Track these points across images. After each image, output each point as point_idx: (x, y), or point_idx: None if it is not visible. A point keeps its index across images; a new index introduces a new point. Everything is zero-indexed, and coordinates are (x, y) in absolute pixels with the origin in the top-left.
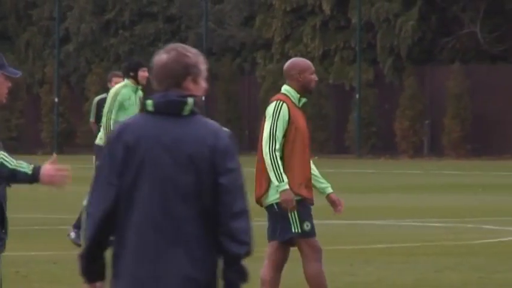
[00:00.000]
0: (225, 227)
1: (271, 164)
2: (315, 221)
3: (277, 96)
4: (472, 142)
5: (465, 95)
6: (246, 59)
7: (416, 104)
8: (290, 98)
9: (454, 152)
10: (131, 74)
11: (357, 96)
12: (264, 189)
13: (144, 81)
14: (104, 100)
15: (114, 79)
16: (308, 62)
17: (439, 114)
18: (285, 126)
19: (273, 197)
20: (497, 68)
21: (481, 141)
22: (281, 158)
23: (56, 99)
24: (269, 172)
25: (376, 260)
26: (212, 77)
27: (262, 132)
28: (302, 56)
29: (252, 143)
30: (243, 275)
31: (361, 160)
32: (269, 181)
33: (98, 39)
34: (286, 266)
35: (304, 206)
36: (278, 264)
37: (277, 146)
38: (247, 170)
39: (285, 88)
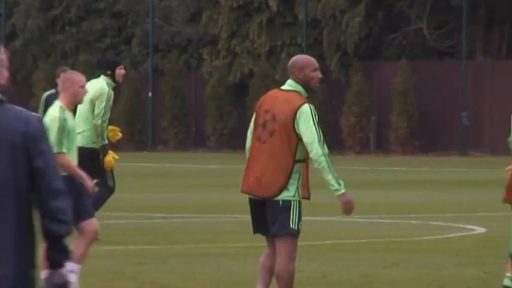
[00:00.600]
0: (44, 208)
1: (329, 167)
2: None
3: (300, 97)
4: (419, 138)
5: (412, 91)
6: (192, 55)
7: (363, 100)
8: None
9: (400, 148)
10: (108, 72)
11: None
12: (281, 185)
13: (120, 80)
14: (52, 96)
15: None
16: (310, 59)
17: (386, 111)
18: None
19: (286, 193)
20: (444, 64)
21: (427, 138)
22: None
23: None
24: (326, 175)
25: (322, 256)
26: (159, 73)
27: (276, 129)
28: (248, 52)
29: (198, 139)
30: (66, 254)
31: None
32: (288, 178)
33: (45, 35)
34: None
35: (302, 206)
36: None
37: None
38: (196, 167)
39: (293, 85)
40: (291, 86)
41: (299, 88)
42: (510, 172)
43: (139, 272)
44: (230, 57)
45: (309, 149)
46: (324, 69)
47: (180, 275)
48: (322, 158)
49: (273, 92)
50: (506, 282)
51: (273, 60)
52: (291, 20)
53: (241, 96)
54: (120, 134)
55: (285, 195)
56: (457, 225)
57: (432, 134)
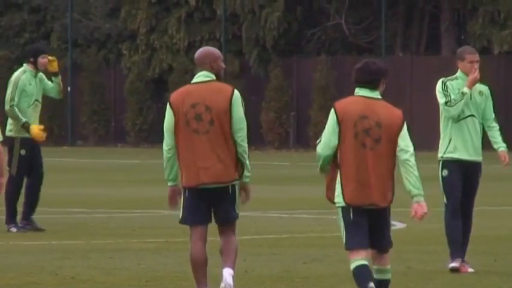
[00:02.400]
0: None
1: (248, 154)
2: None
3: (226, 85)
4: None
5: (331, 86)
6: (111, 50)
7: (282, 96)
8: None
9: None
10: (31, 59)
11: None
12: (233, 170)
13: (42, 68)
14: None
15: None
16: (218, 51)
17: (305, 106)
18: None
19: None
20: (364, 59)
21: None
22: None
23: None
24: (245, 160)
25: (243, 251)
26: (78, 68)
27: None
28: (167, 47)
29: (118, 134)
30: None
31: None
32: (236, 162)
33: None
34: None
35: None
36: None
37: None
38: (115, 162)
39: (210, 75)
40: (208, 76)
41: (214, 78)
42: (330, 172)
43: (61, 267)
44: (149, 52)
45: (238, 134)
46: (242, 64)
47: (101, 269)
48: (246, 143)
49: (193, 87)
50: None
51: (192, 55)
52: (210, 15)
53: (161, 91)
54: (43, 136)
55: (234, 180)
56: None
57: None
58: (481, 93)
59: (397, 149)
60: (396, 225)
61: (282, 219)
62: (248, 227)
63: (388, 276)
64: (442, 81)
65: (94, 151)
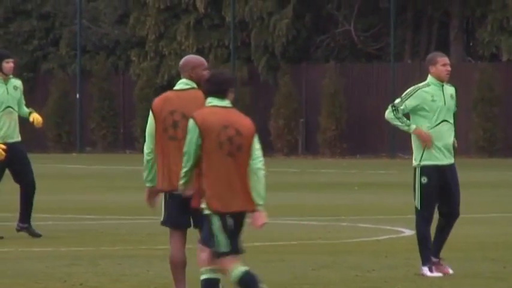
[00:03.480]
0: None
1: None
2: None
3: (201, 92)
4: (348, 141)
5: (340, 93)
6: (120, 56)
7: (291, 103)
8: None
9: (329, 150)
10: None
11: None
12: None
13: (9, 72)
14: None
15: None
16: (201, 59)
17: (314, 113)
18: None
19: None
20: (372, 66)
21: (356, 140)
22: None
23: None
24: None
25: (252, 258)
26: (87, 75)
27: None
28: (176, 54)
29: (126, 141)
30: None
31: None
32: None
33: None
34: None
35: None
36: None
37: None
38: (124, 168)
39: (189, 83)
40: (187, 84)
41: (195, 85)
42: (195, 181)
43: (69, 274)
44: (158, 58)
45: None
46: (251, 71)
47: (109, 276)
48: None
49: (172, 94)
50: None
51: None
52: (219, 22)
53: None
54: (2, 155)
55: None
56: (386, 227)
57: (361, 136)
58: (452, 96)
59: (252, 157)
60: (405, 232)
61: (291, 226)
62: (256, 233)
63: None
64: (413, 89)
65: (103, 157)
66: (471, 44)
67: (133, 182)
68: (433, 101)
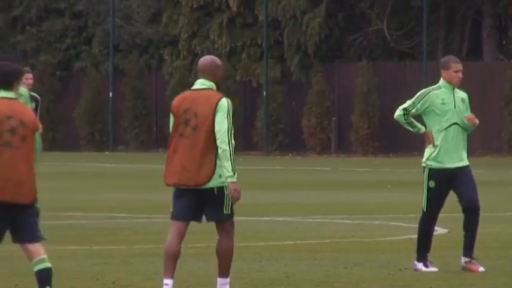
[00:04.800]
0: None
1: (230, 155)
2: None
3: (217, 93)
4: (380, 139)
5: (373, 92)
6: (153, 55)
7: (324, 101)
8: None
9: (361, 149)
10: None
11: (264, 93)
12: (207, 173)
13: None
14: None
15: (24, 75)
16: (218, 60)
17: (347, 112)
18: None
19: (219, 180)
20: (405, 65)
21: (388, 139)
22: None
23: None
24: (225, 162)
25: (284, 256)
26: (119, 74)
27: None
28: (209, 52)
29: (159, 140)
30: None
31: (269, 157)
32: (214, 167)
33: (5, 35)
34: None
35: None
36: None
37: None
38: (157, 167)
39: (207, 84)
40: (204, 84)
41: (213, 86)
42: None
43: (102, 272)
44: (191, 57)
45: (217, 136)
46: (284, 70)
47: (142, 274)
48: (226, 145)
49: (189, 93)
50: None
51: (234, 61)
52: (252, 20)
53: None
54: None
55: (218, 183)
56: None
57: (393, 134)
58: (463, 100)
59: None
60: (437, 230)
61: (323, 224)
62: (289, 232)
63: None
64: (424, 92)
65: (135, 156)
66: (504, 42)
67: None
68: (443, 104)
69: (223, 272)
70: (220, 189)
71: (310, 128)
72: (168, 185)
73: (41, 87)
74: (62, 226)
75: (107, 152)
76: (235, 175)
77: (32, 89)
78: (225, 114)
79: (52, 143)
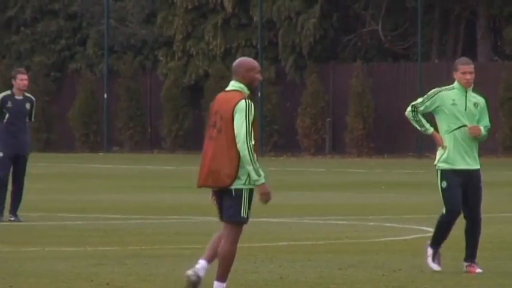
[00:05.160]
0: None
1: (251, 159)
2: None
3: (240, 94)
4: (375, 140)
5: (367, 93)
6: (147, 56)
7: (318, 102)
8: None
9: (356, 150)
10: None
11: (259, 94)
12: (230, 175)
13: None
14: (8, 97)
15: (19, 76)
16: (255, 62)
17: (341, 112)
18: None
19: (238, 182)
20: (399, 65)
21: (383, 139)
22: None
23: None
24: (247, 166)
25: (279, 257)
26: (114, 75)
27: (232, 128)
28: (203, 53)
29: (153, 141)
30: None
31: (263, 158)
32: (237, 169)
33: (0, 36)
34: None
35: (253, 193)
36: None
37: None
38: (151, 168)
39: (235, 85)
40: (233, 86)
41: (242, 87)
42: None
43: (96, 273)
44: (185, 58)
45: (236, 140)
46: (279, 70)
47: (136, 276)
48: (245, 150)
49: (220, 95)
50: None
51: (228, 62)
52: (246, 21)
53: (197, 97)
54: None
55: (236, 184)
56: (413, 226)
57: (388, 135)
58: (476, 104)
59: None
60: (432, 231)
61: (318, 225)
62: (284, 233)
63: None
64: (435, 91)
65: (130, 157)
66: (498, 43)
67: (160, 182)
68: (453, 104)
69: (220, 276)
70: (239, 191)
71: (305, 129)
72: (198, 187)
73: (36, 88)
74: (56, 227)
75: (101, 153)
76: (262, 176)
77: (26, 90)
78: (244, 116)
79: (46, 144)
